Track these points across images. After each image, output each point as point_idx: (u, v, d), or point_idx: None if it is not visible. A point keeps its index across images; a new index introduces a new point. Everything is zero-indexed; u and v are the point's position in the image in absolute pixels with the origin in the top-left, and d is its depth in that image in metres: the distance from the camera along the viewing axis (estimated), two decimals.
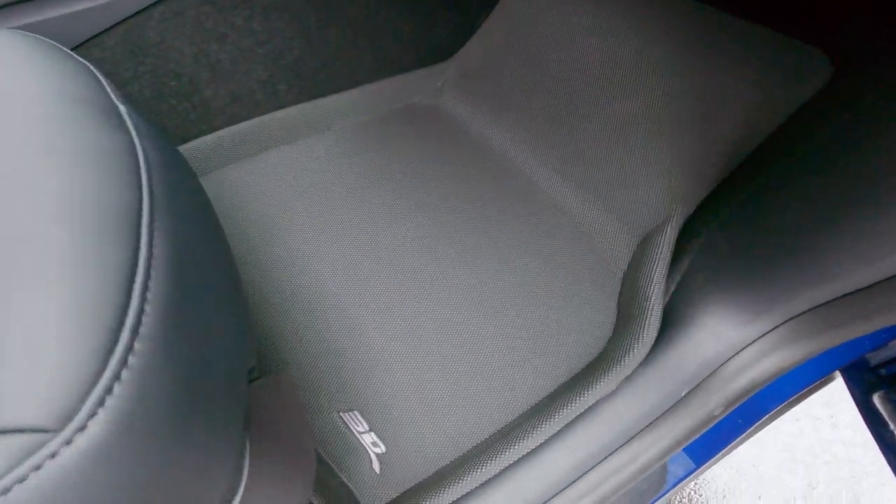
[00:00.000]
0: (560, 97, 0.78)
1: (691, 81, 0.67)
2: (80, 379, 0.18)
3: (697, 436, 0.49)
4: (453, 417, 0.54)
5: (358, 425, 0.55)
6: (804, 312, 0.47)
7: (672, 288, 0.55)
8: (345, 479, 0.52)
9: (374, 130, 0.87)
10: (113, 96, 0.39)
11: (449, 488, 0.47)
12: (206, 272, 0.29)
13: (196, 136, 0.80)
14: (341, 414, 0.56)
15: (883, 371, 0.70)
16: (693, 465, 0.57)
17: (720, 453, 0.58)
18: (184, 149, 0.79)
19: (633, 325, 0.53)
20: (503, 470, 0.48)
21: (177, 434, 0.21)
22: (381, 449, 0.54)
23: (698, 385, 0.49)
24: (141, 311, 0.21)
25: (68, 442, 0.18)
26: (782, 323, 0.49)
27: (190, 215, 0.32)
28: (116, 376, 0.19)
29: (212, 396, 0.24)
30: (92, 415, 0.18)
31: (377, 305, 0.63)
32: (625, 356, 0.50)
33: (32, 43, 0.41)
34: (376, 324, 0.62)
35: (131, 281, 0.22)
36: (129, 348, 0.20)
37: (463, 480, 0.47)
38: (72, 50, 0.62)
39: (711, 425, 0.49)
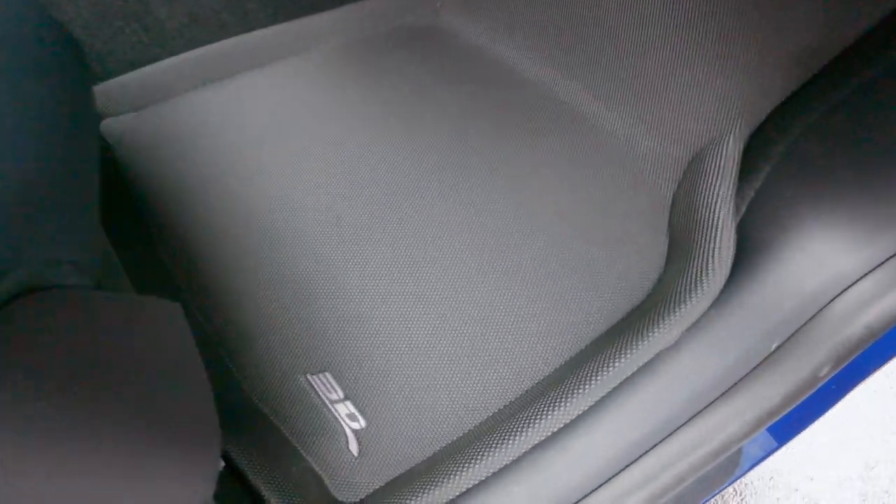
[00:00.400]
0: (583, 2, 0.62)
1: None
2: None
3: (796, 404, 0.34)
4: (456, 383, 0.40)
5: (330, 392, 0.41)
6: None
7: (743, 208, 0.40)
8: (312, 464, 0.39)
9: (359, 53, 0.72)
10: None
11: (450, 478, 0.33)
12: None
13: (150, 62, 0.67)
14: (309, 377, 0.42)
15: None
16: (775, 444, 0.43)
17: (807, 426, 0.44)
18: (136, 74, 0.66)
19: (696, 255, 0.38)
20: (524, 454, 0.33)
21: None
22: (360, 424, 0.40)
23: (797, 332, 0.34)
24: None
25: None
26: None
27: None
28: None
29: None
30: None
31: (361, 245, 0.49)
32: (688, 296, 0.35)
33: None
34: (359, 266, 0.48)
35: None
36: None
37: (469, 468, 0.33)
38: None
39: (815, 389, 0.34)
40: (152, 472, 0.19)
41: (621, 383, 0.34)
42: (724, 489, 0.44)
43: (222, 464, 0.26)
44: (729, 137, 0.47)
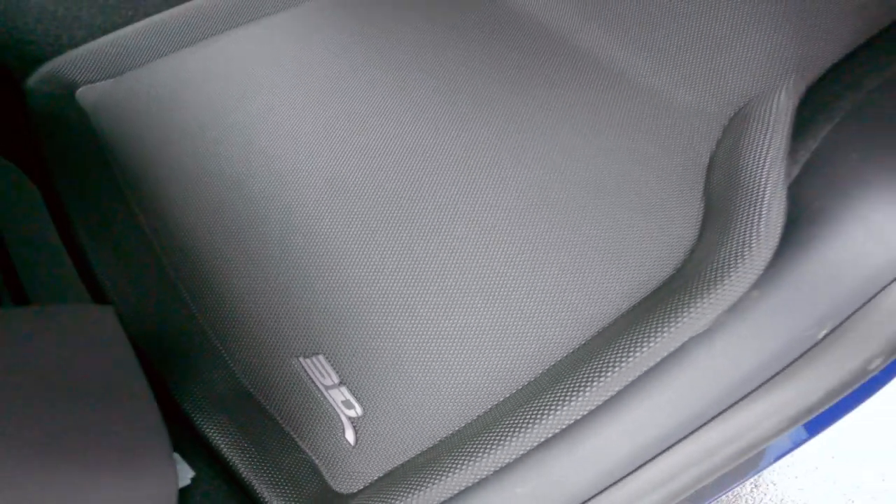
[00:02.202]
0: None
1: None
2: None
3: (838, 400, 0.31)
4: (461, 367, 0.38)
5: (324, 376, 0.39)
6: None
7: (796, 171, 0.35)
8: (308, 454, 0.37)
9: (354, 4, 0.66)
10: None
11: (449, 474, 0.31)
12: None
13: (122, 25, 0.63)
14: (301, 360, 0.39)
15: None
16: (805, 435, 0.40)
17: (845, 415, 0.40)
18: (109, 38, 0.61)
19: (737, 223, 0.34)
20: (530, 451, 0.31)
21: None
22: (357, 412, 0.37)
23: (849, 318, 0.31)
24: None
25: None
26: None
27: None
28: None
29: None
30: None
31: (356, 213, 0.46)
32: (725, 273, 0.31)
33: None
34: (355, 236, 0.44)
35: None
36: None
37: (469, 465, 0.31)
38: None
39: (862, 383, 0.31)
40: (88, 495, 0.17)
41: (642, 375, 0.30)
42: (745, 482, 0.41)
43: (191, 474, 0.25)
44: (780, 92, 0.42)
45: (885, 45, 0.41)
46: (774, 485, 0.90)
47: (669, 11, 0.51)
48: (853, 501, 0.89)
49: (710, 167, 0.43)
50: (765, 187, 0.33)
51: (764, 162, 0.35)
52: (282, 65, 0.59)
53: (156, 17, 0.63)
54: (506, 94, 0.52)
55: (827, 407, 0.31)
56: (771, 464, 0.42)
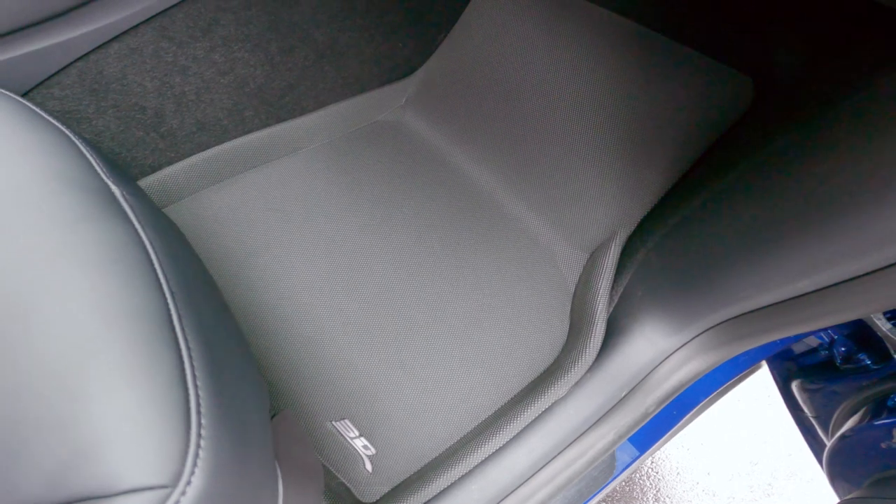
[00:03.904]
0: (517, 117, 0.88)
1: (632, 104, 0.76)
2: (179, 449, 0.30)
3: (636, 430, 0.64)
4: (430, 422, 0.68)
5: (349, 432, 0.68)
6: (718, 325, 0.62)
7: (615, 301, 0.69)
8: (343, 480, 0.65)
9: (341, 150, 0.97)
10: (100, 171, 0.45)
11: (432, 483, 0.61)
12: (224, 342, 0.40)
13: (166, 165, 0.86)
14: (334, 423, 0.68)
15: (801, 361, 0.88)
16: (637, 453, 0.73)
17: (660, 441, 0.74)
18: (156, 177, 0.86)
19: (582, 335, 0.67)
20: (476, 466, 0.61)
21: (241, 474, 0.33)
22: (372, 451, 0.67)
23: (635, 387, 0.64)
24: (197, 396, 0.32)
25: (183, 493, 0.29)
26: (702, 333, 0.63)
27: (202, 296, 0.41)
28: (198, 444, 0.30)
29: (254, 440, 0.36)
30: (192, 472, 0.29)
31: (352, 320, 0.74)
32: (574, 364, 0.64)
33: (2, 104, 0.45)
34: (353, 338, 0.73)
35: (183, 375, 0.32)
36: (200, 423, 0.31)
37: (443, 476, 0.61)
38: (30, 91, 0.69)
39: (648, 420, 0.64)
40: (312, 495, 0.45)
41: (532, 421, 0.62)
42: (610, 483, 0.73)
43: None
44: (613, 244, 0.75)
45: (665, 208, 0.70)
46: (670, 498, 1.23)
47: (556, 183, 0.83)
48: None
49: (574, 296, 0.76)
50: (596, 315, 0.67)
51: (598, 297, 0.69)
52: (288, 203, 0.86)
53: (192, 159, 0.87)
54: (447, 238, 0.83)
55: (631, 433, 0.64)
56: (622, 472, 0.75)
